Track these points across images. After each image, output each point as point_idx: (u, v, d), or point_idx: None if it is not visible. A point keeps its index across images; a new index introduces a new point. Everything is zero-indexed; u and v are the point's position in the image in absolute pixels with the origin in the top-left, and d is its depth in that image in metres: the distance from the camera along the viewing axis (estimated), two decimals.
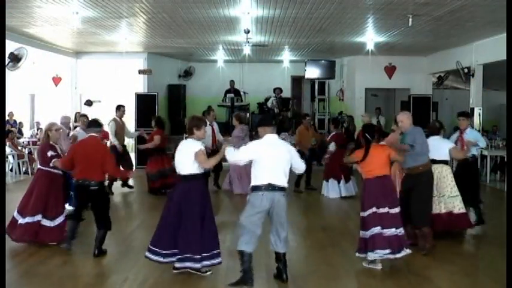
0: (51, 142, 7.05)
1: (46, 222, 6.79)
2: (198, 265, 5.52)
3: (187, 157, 5.60)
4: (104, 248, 6.48)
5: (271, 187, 5.28)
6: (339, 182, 10.90)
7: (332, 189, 10.91)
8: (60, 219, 6.86)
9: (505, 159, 10.82)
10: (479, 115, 14.02)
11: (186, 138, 5.93)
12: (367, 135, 6.13)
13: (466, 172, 8.00)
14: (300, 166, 5.61)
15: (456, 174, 7.63)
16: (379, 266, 5.98)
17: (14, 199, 10.13)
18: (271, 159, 5.34)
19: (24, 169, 13.88)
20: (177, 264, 5.58)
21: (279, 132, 16.45)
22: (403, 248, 5.94)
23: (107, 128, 10.56)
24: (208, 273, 5.66)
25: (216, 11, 10.43)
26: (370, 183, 6.05)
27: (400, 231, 5.95)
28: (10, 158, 13.41)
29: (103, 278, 5.65)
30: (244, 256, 5.31)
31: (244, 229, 5.35)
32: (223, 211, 9.45)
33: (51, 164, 6.87)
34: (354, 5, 9.74)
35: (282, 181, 5.36)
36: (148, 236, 6.40)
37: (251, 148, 5.56)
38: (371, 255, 5.91)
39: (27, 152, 14.18)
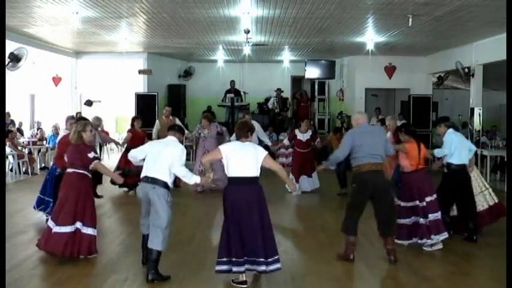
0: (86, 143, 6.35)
1: (88, 230, 6.18)
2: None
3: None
4: None
5: (145, 178, 5.60)
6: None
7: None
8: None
9: (505, 159, 10.80)
10: (479, 115, 14.03)
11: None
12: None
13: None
14: (178, 171, 5.53)
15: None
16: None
17: (14, 199, 10.18)
18: (153, 154, 5.65)
19: (24, 169, 13.87)
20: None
21: (279, 132, 16.71)
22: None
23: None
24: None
25: (216, 11, 10.43)
26: None
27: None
28: (10, 158, 13.40)
29: (103, 278, 5.64)
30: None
31: None
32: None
33: (91, 166, 6.24)
34: (354, 5, 9.75)
35: (154, 173, 5.53)
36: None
37: None
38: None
39: (27, 152, 14.17)
